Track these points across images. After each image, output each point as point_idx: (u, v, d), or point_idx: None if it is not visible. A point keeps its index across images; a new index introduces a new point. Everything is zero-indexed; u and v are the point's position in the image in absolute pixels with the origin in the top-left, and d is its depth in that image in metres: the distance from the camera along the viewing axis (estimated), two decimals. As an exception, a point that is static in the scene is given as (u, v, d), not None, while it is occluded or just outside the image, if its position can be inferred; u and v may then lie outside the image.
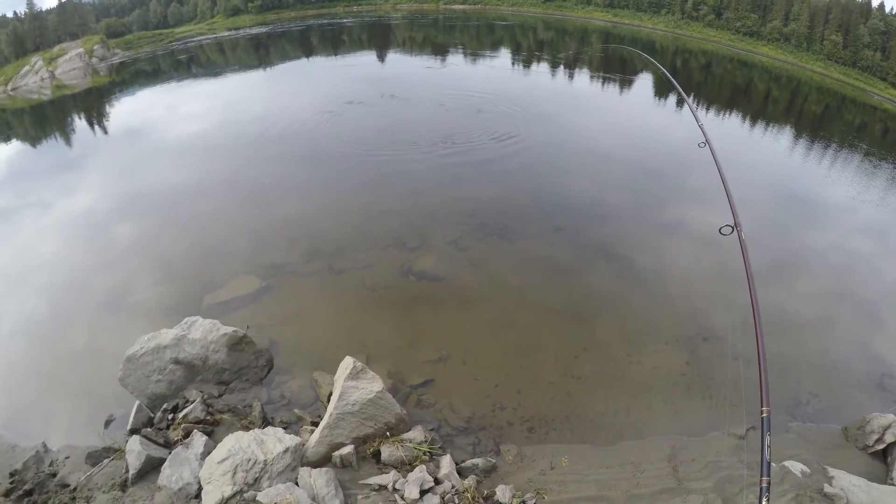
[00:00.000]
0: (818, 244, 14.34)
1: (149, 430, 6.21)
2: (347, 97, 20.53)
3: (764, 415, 2.44)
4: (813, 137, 27.44)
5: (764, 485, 2.55)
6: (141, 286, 9.54)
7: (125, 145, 16.13)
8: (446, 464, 5.91)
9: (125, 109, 21.16)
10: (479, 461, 6.22)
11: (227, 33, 35.87)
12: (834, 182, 20.53)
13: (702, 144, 4.28)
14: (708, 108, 29.90)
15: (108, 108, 22.37)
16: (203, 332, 7.03)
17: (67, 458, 6.23)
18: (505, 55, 34.56)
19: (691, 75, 42.25)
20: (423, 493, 5.46)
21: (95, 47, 47.40)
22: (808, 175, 21.13)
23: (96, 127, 19.73)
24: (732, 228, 2.76)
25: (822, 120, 34.86)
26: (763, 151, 23.69)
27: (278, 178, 13.22)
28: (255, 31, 36.06)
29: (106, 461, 5.93)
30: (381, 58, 30.47)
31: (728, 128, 26.47)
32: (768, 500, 2.28)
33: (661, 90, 31.47)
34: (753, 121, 29.20)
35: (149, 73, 27.20)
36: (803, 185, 19.02)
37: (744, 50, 63.14)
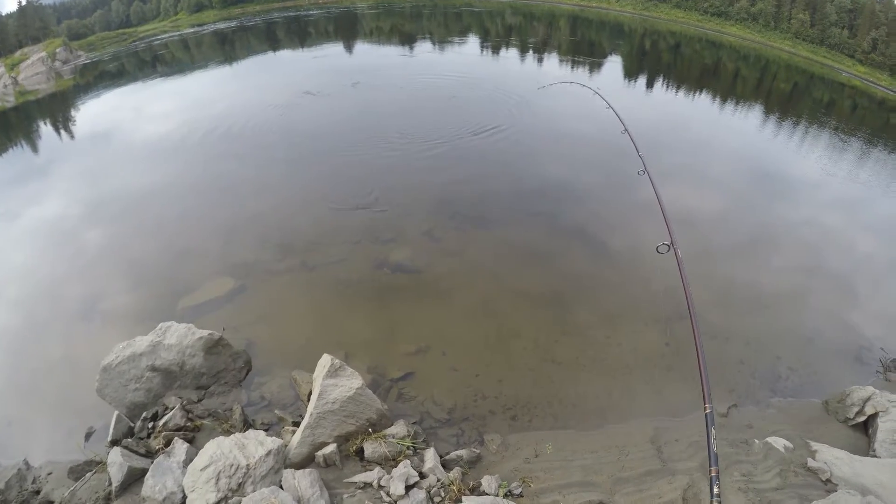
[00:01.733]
0: (791, 219, 14.55)
1: (129, 440, 6.08)
2: (315, 89, 20.23)
3: (707, 411, 2.47)
4: (782, 114, 27.82)
5: (713, 474, 2.60)
6: (113, 293, 9.33)
7: (92, 149, 15.73)
8: (430, 457, 5.87)
9: (91, 113, 20.63)
10: (463, 453, 6.20)
11: (191, 30, 35.13)
12: (804, 157, 20.89)
13: (641, 173, 4.17)
14: (678, 89, 30.09)
15: (73, 113, 21.81)
16: (178, 337, 6.88)
17: (50, 473, 6.07)
18: (473, 42, 34.41)
19: (661, 56, 42.48)
20: (408, 488, 5.42)
21: (58, 50, 46.16)
22: (779, 152, 21.44)
23: (62, 132, 19.21)
24: (669, 247, 2.77)
25: (792, 97, 35.36)
26: (732, 129, 23.96)
27: (248, 175, 12.99)
28: (219, 26, 35.37)
29: (88, 475, 5.79)
30: (349, 48, 30.12)
31: (698, 107, 26.71)
32: (719, 488, 2.31)
33: (631, 72, 31.65)
34: (723, 100, 29.51)
35: (113, 73, 26.57)
36: (774, 162, 19.28)
37: (712, 30, 63.74)
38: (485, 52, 31.05)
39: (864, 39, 59.12)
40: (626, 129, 4.32)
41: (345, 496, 5.35)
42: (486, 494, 5.56)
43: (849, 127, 28.05)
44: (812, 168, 19.45)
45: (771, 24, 64.38)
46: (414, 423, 6.65)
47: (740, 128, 24.37)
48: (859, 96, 44.43)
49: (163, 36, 34.27)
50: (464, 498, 5.33)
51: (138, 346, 6.67)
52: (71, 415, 6.91)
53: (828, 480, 6.53)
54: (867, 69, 57.33)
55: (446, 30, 37.88)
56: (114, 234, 10.84)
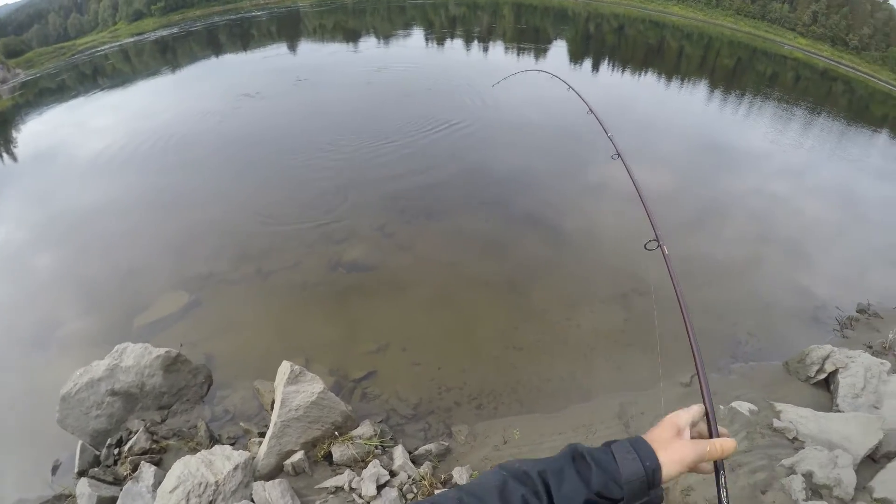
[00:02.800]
0: (739, 189, 14.94)
1: (96, 469, 5.91)
2: (260, 91, 19.84)
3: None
4: (727, 89, 28.53)
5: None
6: (66, 318, 9.00)
7: (35, 170, 15.14)
8: (399, 454, 5.85)
9: (32, 132, 19.87)
10: (431, 446, 6.19)
11: (131, 39, 34.09)
12: (750, 129, 21.47)
13: (615, 156, 4.17)
14: (623, 70, 30.52)
15: (14, 134, 20.96)
16: (135, 358, 6.69)
17: None
18: (418, 34, 34.27)
19: (605, 39, 43.01)
20: (380, 487, 5.39)
21: (-6, 70, 44.32)
22: (726, 125, 21.98)
23: (3, 154, 18.45)
24: (657, 243, 2.71)
25: (736, 72, 36.27)
26: (678, 106, 24.45)
27: (194, 186, 12.65)
28: (160, 34, 34.39)
29: None
30: (293, 48, 29.65)
31: (644, 87, 27.15)
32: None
33: (575, 56, 31.97)
34: (669, 78, 30.08)
35: (54, 90, 25.60)
36: (721, 136, 19.76)
37: (655, 10, 64.74)
38: (430, 45, 30.93)
39: (804, 13, 61.01)
40: (591, 110, 4.31)
41: (317, 502, 5.30)
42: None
43: (792, 98, 28.93)
44: (758, 139, 20.01)
45: (712, 2, 65.78)
46: (380, 421, 6.61)
47: (686, 105, 24.89)
48: (802, 68, 45.90)
49: (103, 47, 33.15)
50: (436, 492, 5.29)
51: (95, 372, 6.47)
52: (35, 449, 6.68)
53: (794, 439, 6.72)
54: (809, 41, 59.22)
55: (390, 24, 37.60)
56: (61, 257, 10.46)
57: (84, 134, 16.39)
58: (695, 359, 1.87)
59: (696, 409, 1.53)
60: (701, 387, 1.69)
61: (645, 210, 3.12)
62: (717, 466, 1.48)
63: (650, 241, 3.05)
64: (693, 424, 1.50)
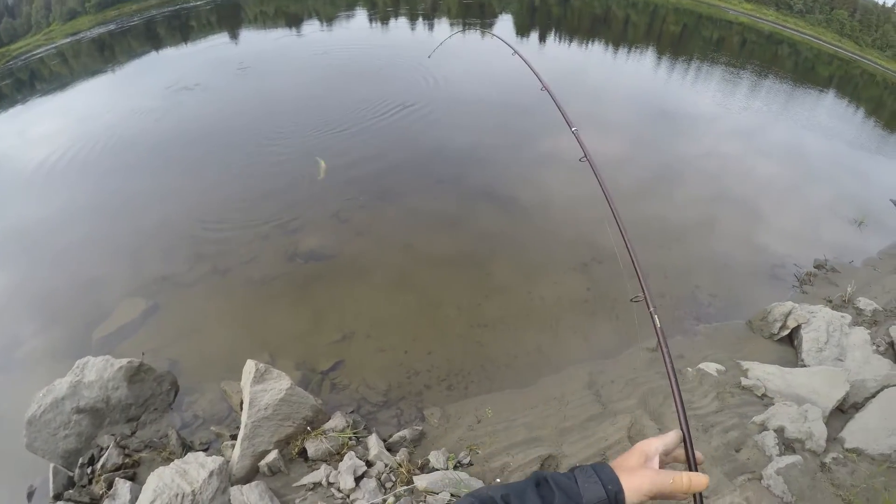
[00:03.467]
0: (691, 153, 15.23)
1: (71, 491, 5.73)
2: (200, 83, 19.13)
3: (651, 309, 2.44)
4: (674, 56, 28.90)
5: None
6: (23, 338, 8.61)
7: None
8: (374, 444, 5.83)
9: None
10: (405, 433, 6.18)
11: (67, 40, 32.64)
12: (699, 94, 21.83)
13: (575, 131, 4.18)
14: (570, 41, 30.58)
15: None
16: (97, 372, 6.48)
17: None
18: (361, 15, 33.64)
19: (550, 11, 43.02)
20: (358, 479, 5.37)
21: (-76, 83, 41.98)
22: (674, 91, 22.28)
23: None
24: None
25: (682, 38, 36.76)
26: (627, 75, 24.68)
27: (139, 189, 12.07)
28: (96, 31, 33.00)
29: None
30: (234, 37, 28.83)
31: (592, 56, 27.29)
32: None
33: (521, 29, 31.91)
34: (616, 47, 30.30)
35: (-11, 99, 24.49)
36: (670, 102, 20.01)
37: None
38: (374, 25, 30.42)
39: (748, -23, 62.06)
40: (544, 86, 4.26)
41: (297, 501, 5.26)
42: (436, 470, 5.58)
43: (739, 61, 29.51)
44: (707, 103, 20.37)
45: (657, -30, 66.45)
46: (351, 412, 6.58)
47: (635, 72, 25.09)
48: (747, 32, 46.78)
49: (38, 51, 31.63)
50: (414, 478, 5.33)
51: (59, 391, 6.25)
52: (7, 477, 6.41)
53: (763, 395, 6.93)
54: (753, 6, 60.22)
55: (333, 6, 36.78)
56: (10, 273, 9.99)
57: (24, 143, 15.64)
58: (673, 391, 1.84)
59: (671, 437, 1.51)
60: (679, 414, 1.66)
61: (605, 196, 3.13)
62: (696, 499, 1.47)
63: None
64: (667, 452, 1.49)
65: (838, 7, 58.61)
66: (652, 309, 2.19)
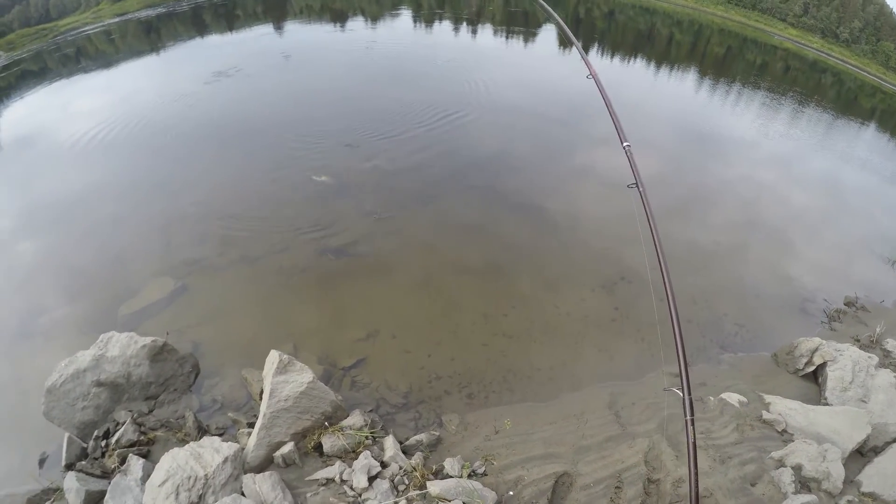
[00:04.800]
0: (727, 178, 14.98)
1: (84, 462, 5.80)
2: (247, 72, 19.44)
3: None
4: (717, 77, 28.51)
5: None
6: (50, 307, 8.78)
7: (17, 156, 14.77)
8: (390, 445, 5.81)
9: (14, 116, 19.35)
10: (422, 437, 6.16)
11: (114, 20, 33.29)
12: (739, 118, 21.48)
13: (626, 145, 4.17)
14: (613, 55, 30.35)
15: (-5, 119, 20.51)
16: (121, 348, 6.56)
17: None
18: (406, 15, 33.73)
19: (595, 24, 42.78)
20: (371, 479, 5.35)
21: (-26, 52, 43.10)
22: (714, 113, 21.97)
23: (-16, 138, 18.03)
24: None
25: (725, 60, 36.25)
26: (667, 93, 24.41)
27: (177, 170, 12.33)
28: (143, 14, 33.59)
29: None
30: (279, 28, 29.11)
31: (633, 72, 27.05)
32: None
33: (564, 40, 31.72)
34: (658, 65, 29.99)
35: (36, 72, 24.91)
36: (709, 124, 19.74)
37: (645, -4, 64.29)
38: (418, 26, 30.49)
39: (795, 3, 61.03)
40: (590, 75, 4.19)
41: (308, 495, 5.24)
42: (450, 477, 5.54)
43: (782, 88, 29.01)
44: (746, 128, 20.04)
45: (703, -11, 65.63)
46: (370, 411, 6.57)
47: (675, 91, 24.84)
48: (791, 58, 46.02)
49: (85, 29, 32.27)
50: (428, 483, 5.29)
51: (81, 362, 6.34)
52: (22, 442, 6.52)
53: (784, 431, 6.77)
54: (799, 32, 59.28)
55: (378, 5, 36.99)
56: (44, 244, 10.19)
57: (66, 118, 15.97)
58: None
59: None
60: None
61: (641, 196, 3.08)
62: None
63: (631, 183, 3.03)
64: None
65: (885, 39, 57.38)
66: (689, 418, 2.16)
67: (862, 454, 6.72)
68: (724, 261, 10.90)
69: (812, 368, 8.06)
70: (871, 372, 7.74)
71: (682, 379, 2.26)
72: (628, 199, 12.30)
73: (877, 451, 6.74)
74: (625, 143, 3.57)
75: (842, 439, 6.50)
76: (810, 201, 14.62)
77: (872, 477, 6.20)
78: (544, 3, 7.38)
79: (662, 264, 2.68)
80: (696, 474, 1.89)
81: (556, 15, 6.13)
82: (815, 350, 8.07)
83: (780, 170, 16.43)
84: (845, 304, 10.26)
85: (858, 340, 9.04)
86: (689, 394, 2.18)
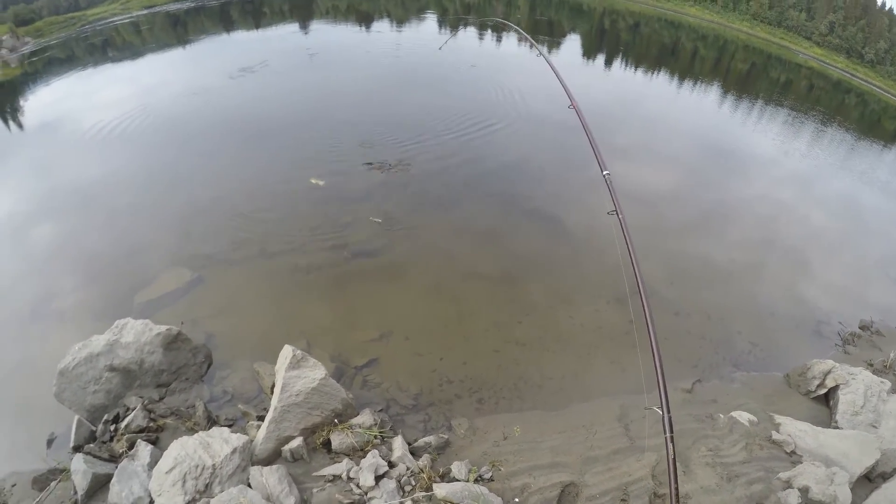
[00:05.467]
0: (746, 195, 14.88)
1: (92, 445, 5.85)
2: (272, 69, 19.62)
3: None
4: (740, 93, 28.31)
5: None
6: (67, 291, 8.91)
7: (40, 141, 14.99)
8: (398, 445, 5.82)
9: (40, 102, 19.68)
10: (431, 439, 6.17)
11: (143, 12, 33.72)
12: (760, 135, 21.33)
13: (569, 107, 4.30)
14: (637, 67, 30.23)
15: (21, 103, 20.81)
16: (136, 335, 6.63)
17: (14, 485, 5.81)
18: (431, 20, 33.84)
19: (619, 36, 42.69)
20: (378, 478, 5.37)
21: (4, 38, 43.65)
22: (735, 129, 21.85)
23: (10, 123, 18.32)
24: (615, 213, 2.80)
25: (749, 77, 36.00)
26: (690, 107, 24.31)
27: (199, 163, 12.53)
28: (171, 7, 34.00)
29: (53, 484, 5.55)
30: (305, 28, 29.33)
31: (656, 86, 26.93)
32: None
33: (589, 51, 31.67)
34: (681, 79, 29.84)
35: (63, 60, 25.29)
36: (730, 139, 19.62)
37: (671, 10, 63.83)
38: (443, 31, 30.58)
39: (821, 22, 60.51)
40: (571, 106, 4.21)
41: (314, 490, 5.26)
42: (457, 480, 5.54)
43: (805, 106, 28.77)
44: (768, 145, 19.88)
45: (730, 5, 65.07)
46: (380, 410, 6.59)
47: (697, 105, 24.73)
48: (815, 77, 45.61)
49: (113, 19, 32.70)
50: (434, 485, 5.30)
51: (95, 346, 6.42)
52: (31, 422, 6.61)
53: (792, 452, 6.71)
54: (824, 51, 58.75)
55: (404, 9, 37.15)
56: (65, 229, 10.36)
57: (90, 106, 16.21)
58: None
59: None
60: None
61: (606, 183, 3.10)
62: None
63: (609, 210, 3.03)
64: None
65: (911, 61, 56.74)
66: (669, 435, 2.18)
67: (870, 479, 6.64)
68: (740, 278, 10.83)
69: (824, 391, 7.99)
70: (883, 397, 7.66)
71: (660, 398, 2.30)
72: (644, 212, 12.28)
73: (885, 477, 6.66)
74: (605, 172, 3.59)
75: (850, 463, 6.43)
76: (829, 222, 14.48)
77: (880, 503, 6.12)
78: (527, 35, 7.54)
79: (641, 289, 2.73)
80: (677, 490, 1.92)
81: (539, 48, 6.24)
82: (828, 373, 7.99)
83: (800, 189, 16.31)
84: (860, 328, 10.15)
85: (872, 365, 8.94)
86: (669, 412, 2.20)
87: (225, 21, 31.56)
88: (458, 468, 5.69)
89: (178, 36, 28.30)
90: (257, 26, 29.71)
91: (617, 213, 3.18)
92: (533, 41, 7.36)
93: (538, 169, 13.77)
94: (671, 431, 2.21)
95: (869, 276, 12.26)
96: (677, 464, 6.21)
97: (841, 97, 39.89)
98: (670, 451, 2.14)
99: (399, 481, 5.38)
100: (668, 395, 7.44)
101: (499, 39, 30.17)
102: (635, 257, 2.85)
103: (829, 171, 18.89)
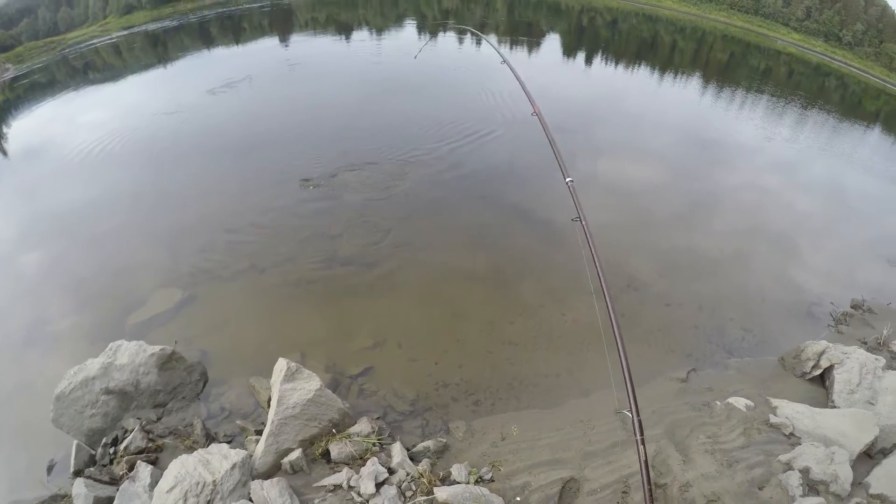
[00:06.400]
0: (732, 183, 15.02)
1: (92, 469, 5.88)
2: (253, 84, 19.60)
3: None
4: (720, 83, 28.52)
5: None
6: (60, 316, 8.87)
7: (25, 167, 14.92)
8: (397, 451, 5.83)
9: (23, 127, 19.60)
10: (429, 443, 6.18)
11: (122, 33, 33.62)
12: (743, 123, 21.48)
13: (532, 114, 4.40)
14: (617, 64, 30.37)
15: (4, 129, 20.74)
16: (130, 356, 6.64)
17: None
18: (410, 26, 33.92)
19: (598, 33, 42.88)
20: (378, 485, 5.38)
21: (-15, 65, 43.45)
22: (718, 119, 21.98)
23: (-4, 150, 18.23)
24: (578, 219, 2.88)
25: (729, 66, 36.26)
26: (671, 100, 24.45)
27: (183, 181, 12.49)
28: (151, 27, 33.91)
29: None
30: (285, 41, 29.33)
31: (637, 81, 27.08)
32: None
33: (570, 49, 31.80)
34: (662, 72, 30.02)
35: (44, 84, 25.15)
36: (713, 130, 19.74)
37: (648, 4, 64.06)
38: (423, 37, 30.64)
39: (797, 8, 60.95)
40: (506, 63, 4.21)
41: (316, 501, 5.28)
42: (458, 483, 5.56)
43: (785, 92, 29.00)
44: (751, 133, 20.02)
45: (706, -4, 65.63)
46: (377, 418, 6.60)
47: (679, 98, 24.86)
48: (795, 63, 45.97)
49: (93, 41, 32.57)
50: (435, 489, 5.31)
51: (90, 370, 6.42)
52: (30, 449, 6.59)
53: (791, 434, 6.76)
54: (802, 36, 59.16)
55: (382, 17, 37.21)
56: (53, 254, 10.30)
57: (73, 130, 16.12)
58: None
59: None
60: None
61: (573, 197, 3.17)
62: None
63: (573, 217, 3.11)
64: None
65: (888, 41, 57.20)
66: (639, 438, 2.25)
67: (870, 456, 6.67)
68: (730, 266, 10.91)
69: (819, 371, 8.03)
70: (878, 374, 7.70)
71: (629, 401, 2.34)
72: (631, 207, 12.30)
73: (885, 452, 6.69)
74: (567, 179, 3.65)
75: (849, 442, 6.46)
76: (815, 205, 14.61)
77: (881, 479, 6.15)
78: (489, 41, 7.66)
79: (605, 293, 2.77)
80: (651, 491, 1.98)
81: (504, 56, 6.39)
82: (822, 353, 8.04)
83: (785, 175, 16.43)
84: (852, 307, 10.22)
85: (865, 343, 9.00)
86: (639, 415, 2.24)
87: (205, 38, 31.51)
88: (457, 471, 5.71)
89: (158, 55, 28.25)
90: (237, 42, 29.69)
91: (580, 220, 3.22)
92: (495, 47, 7.45)
93: (523, 169, 13.77)
94: (642, 434, 2.25)
95: (858, 256, 12.35)
96: (676, 453, 6.29)
97: (821, 81, 40.26)
98: (642, 454, 2.18)
99: (400, 487, 5.39)
100: (663, 387, 7.54)
101: (478, 44, 30.29)
102: (600, 265, 2.88)
103: (813, 156, 19.05)
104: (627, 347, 8.29)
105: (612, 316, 2.49)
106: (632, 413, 2.29)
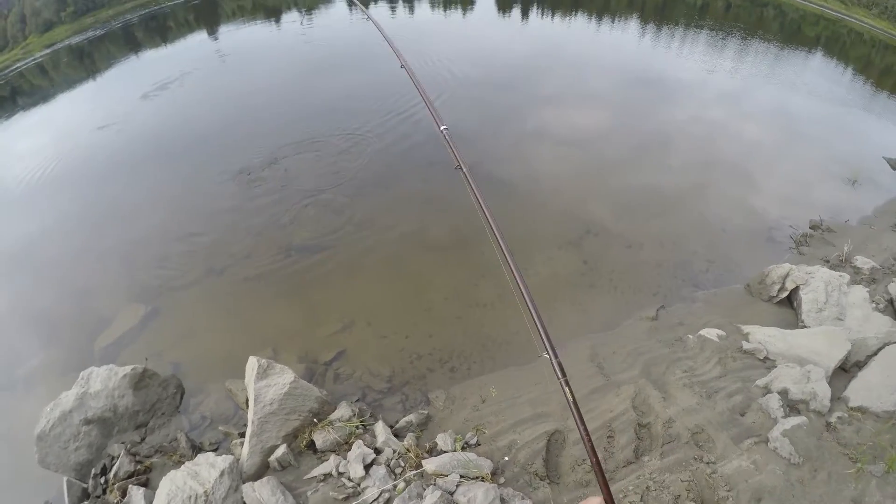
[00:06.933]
0: (679, 120, 15.17)
1: (86, 503, 5.84)
2: (185, 81, 18.82)
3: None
4: (659, 23, 28.58)
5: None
6: (27, 356, 8.55)
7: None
8: (381, 431, 5.87)
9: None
10: (412, 417, 6.23)
11: (45, 52, 32.14)
12: (685, 60, 21.61)
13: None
14: (553, 14, 30.07)
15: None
16: (102, 382, 6.52)
17: None
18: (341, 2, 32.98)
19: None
20: (367, 467, 5.43)
21: None
22: (660, 59, 22.02)
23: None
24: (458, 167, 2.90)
25: (665, 5, 36.33)
26: (611, 44, 24.48)
27: (127, 193, 12.07)
28: (74, 40, 32.43)
29: None
30: (213, 34, 28.39)
31: (575, 29, 26.91)
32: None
33: (504, 5, 31.40)
34: (599, 18, 29.94)
35: (-32, 118, 24.13)
36: (657, 70, 19.77)
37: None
38: (353, 11, 29.85)
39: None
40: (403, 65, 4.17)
41: (309, 493, 5.29)
42: (444, 452, 5.63)
43: (724, 25, 29.20)
44: (693, 69, 20.14)
45: (638, -59, 65.46)
46: (357, 400, 6.62)
47: (619, 42, 24.76)
48: (731, -5, 46.17)
49: (17, 65, 31.08)
50: (423, 462, 5.37)
51: (65, 404, 6.29)
52: (24, 496, 6.43)
53: (765, 358, 6.95)
54: (735, -31, 59.59)
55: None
56: (9, 292, 9.92)
57: (9, 161, 15.37)
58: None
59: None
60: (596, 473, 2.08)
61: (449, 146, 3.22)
62: None
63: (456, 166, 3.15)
64: None
65: (822, -35, 58.01)
66: (562, 380, 2.32)
67: (846, 370, 6.89)
68: (687, 202, 11.06)
69: (785, 294, 8.24)
70: (843, 290, 7.94)
71: (545, 343, 2.37)
72: (582, 154, 12.30)
73: (860, 365, 6.92)
74: (442, 127, 3.62)
75: (823, 359, 6.66)
76: (765, 134, 14.83)
77: (859, 391, 6.37)
78: (360, 4, 7.58)
79: (497, 234, 2.75)
80: (588, 432, 2.07)
81: (372, 16, 6.32)
82: (786, 275, 8.25)
83: (732, 107, 16.59)
84: (811, 228, 10.47)
85: (828, 261, 9.24)
86: (557, 357, 2.29)
87: (131, 43, 30.31)
88: (443, 440, 5.77)
89: (86, 68, 27.11)
90: (165, 42, 28.64)
91: (461, 168, 3.21)
92: (360, 3, 7.39)
93: (468, 130, 13.62)
94: (564, 375, 2.29)
95: (812, 178, 12.62)
96: (655, 391, 6.43)
97: (759, 11, 40.56)
98: (568, 395, 2.23)
99: (388, 465, 5.44)
100: (634, 328, 7.64)
101: (411, 9, 29.73)
102: (487, 208, 2.88)
103: (757, 84, 19.26)
104: (594, 294, 8.45)
105: (508, 254, 2.48)
106: (549, 355, 2.32)
